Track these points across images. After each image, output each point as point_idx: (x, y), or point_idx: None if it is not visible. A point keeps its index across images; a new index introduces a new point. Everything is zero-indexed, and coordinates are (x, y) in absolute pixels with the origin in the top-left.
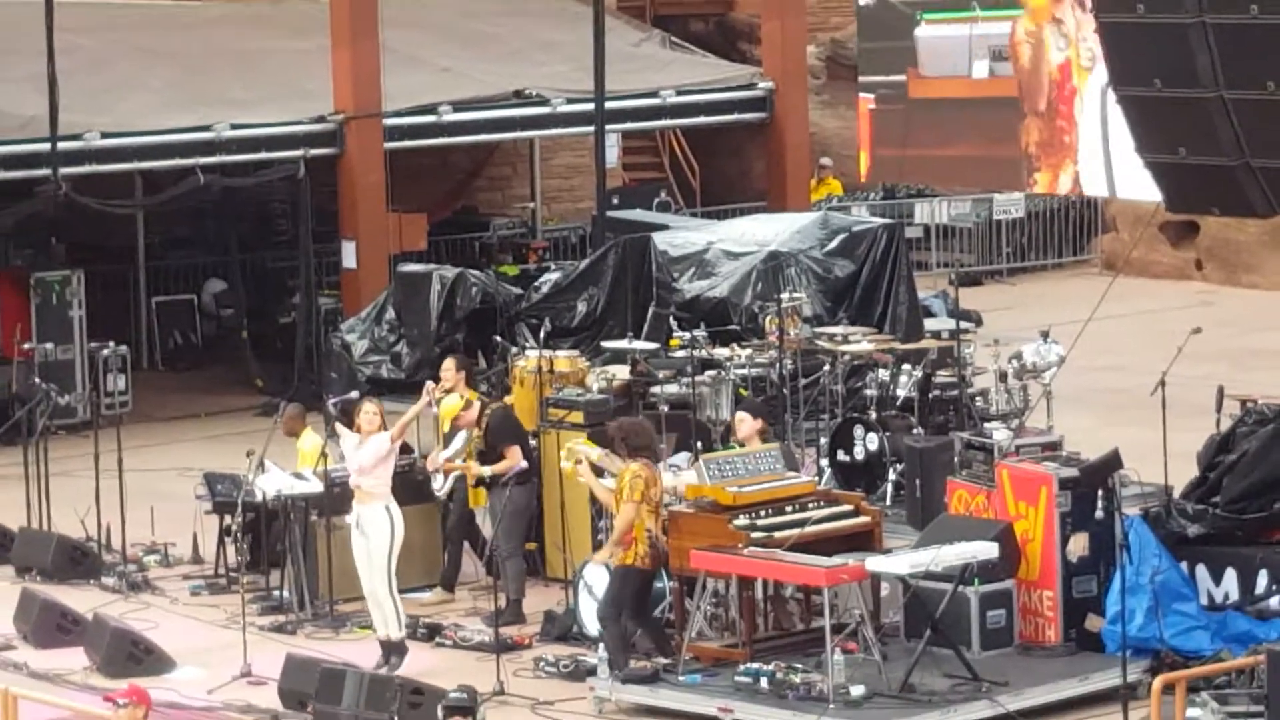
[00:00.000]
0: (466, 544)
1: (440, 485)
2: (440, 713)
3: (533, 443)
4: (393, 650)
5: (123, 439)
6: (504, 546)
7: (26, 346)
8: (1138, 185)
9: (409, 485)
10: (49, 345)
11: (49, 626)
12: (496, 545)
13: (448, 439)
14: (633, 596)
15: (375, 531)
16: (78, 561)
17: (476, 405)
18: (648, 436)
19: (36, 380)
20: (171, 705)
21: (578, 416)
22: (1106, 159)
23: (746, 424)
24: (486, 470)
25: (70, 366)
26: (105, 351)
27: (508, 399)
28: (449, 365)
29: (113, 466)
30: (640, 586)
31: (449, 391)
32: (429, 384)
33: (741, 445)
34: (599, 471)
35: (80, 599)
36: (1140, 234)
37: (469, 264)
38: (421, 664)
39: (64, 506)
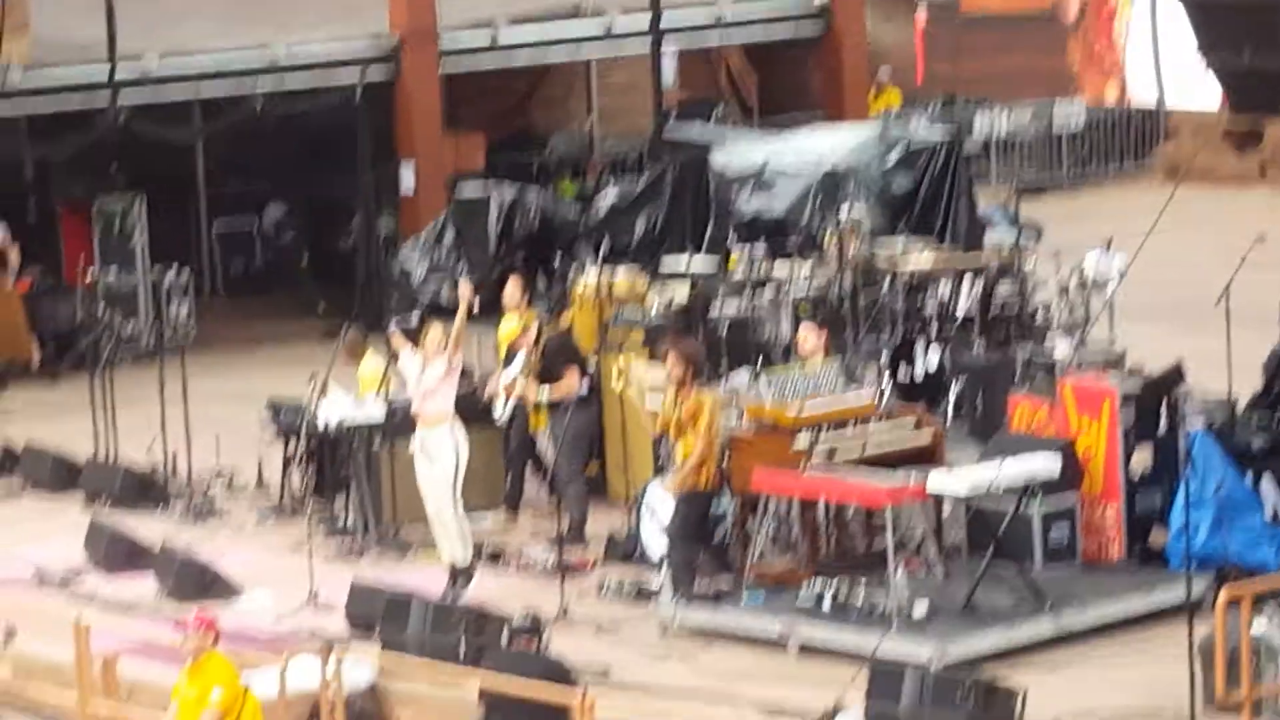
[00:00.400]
0: (529, 467)
1: (501, 410)
2: (506, 637)
3: (593, 363)
4: (459, 575)
5: (187, 366)
6: (565, 470)
7: (90, 275)
8: (1190, 94)
9: (470, 410)
10: (112, 274)
11: (118, 556)
12: (558, 468)
13: (507, 362)
14: (697, 518)
15: (441, 454)
16: (145, 490)
17: (534, 328)
18: (707, 357)
19: (101, 309)
20: (239, 631)
21: (638, 337)
22: (1156, 69)
23: (810, 339)
24: (544, 394)
25: (133, 294)
26: (168, 278)
27: (565, 317)
28: (513, 286)
29: (178, 395)
30: (704, 508)
31: (490, 312)
32: (462, 283)
33: (805, 360)
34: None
35: (148, 528)
36: (1203, 142)
37: (528, 183)
38: (486, 589)
39: (130, 436)
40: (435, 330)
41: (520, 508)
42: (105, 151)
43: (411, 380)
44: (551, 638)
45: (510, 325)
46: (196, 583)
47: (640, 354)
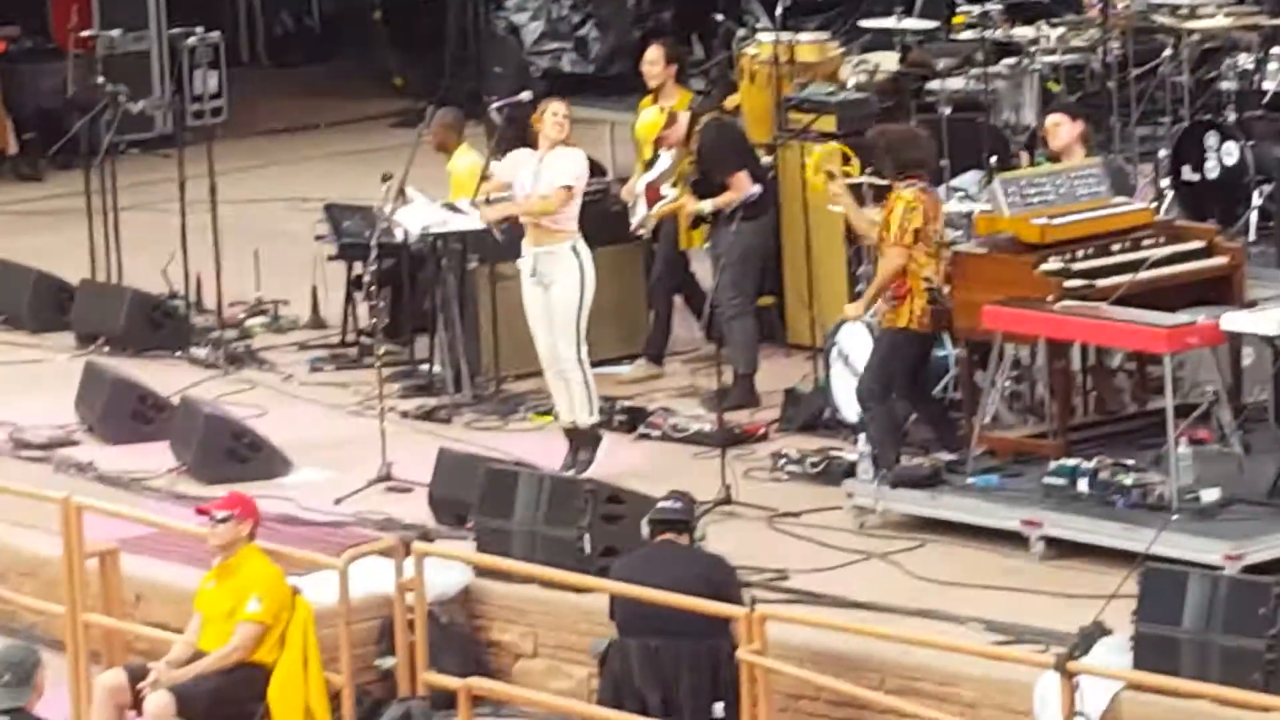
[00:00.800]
0: (678, 299)
1: (641, 218)
2: (646, 527)
3: (767, 160)
4: (582, 442)
5: (216, 160)
6: (729, 302)
7: (86, 35)
8: None
9: (601, 220)
10: (115, 32)
11: (122, 414)
12: (719, 301)
13: (650, 163)
14: (906, 369)
15: (560, 281)
16: (159, 325)
17: (684, 117)
18: (923, 149)
19: (100, 80)
20: (287, 519)
21: (828, 122)
22: None
23: (1064, 128)
24: (706, 205)
25: (145, 60)
26: (191, 40)
27: (729, 102)
28: (654, 55)
29: (203, 196)
30: (916, 355)
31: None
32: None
33: (1055, 160)
34: (861, 198)
35: (163, 376)
36: None
37: None
38: (621, 462)
39: (139, 251)
40: (556, 108)
41: (666, 353)
42: None
43: (522, 182)
44: (708, 529)
45: (651, 113)
46: (228, 452)
47: (833, 145)
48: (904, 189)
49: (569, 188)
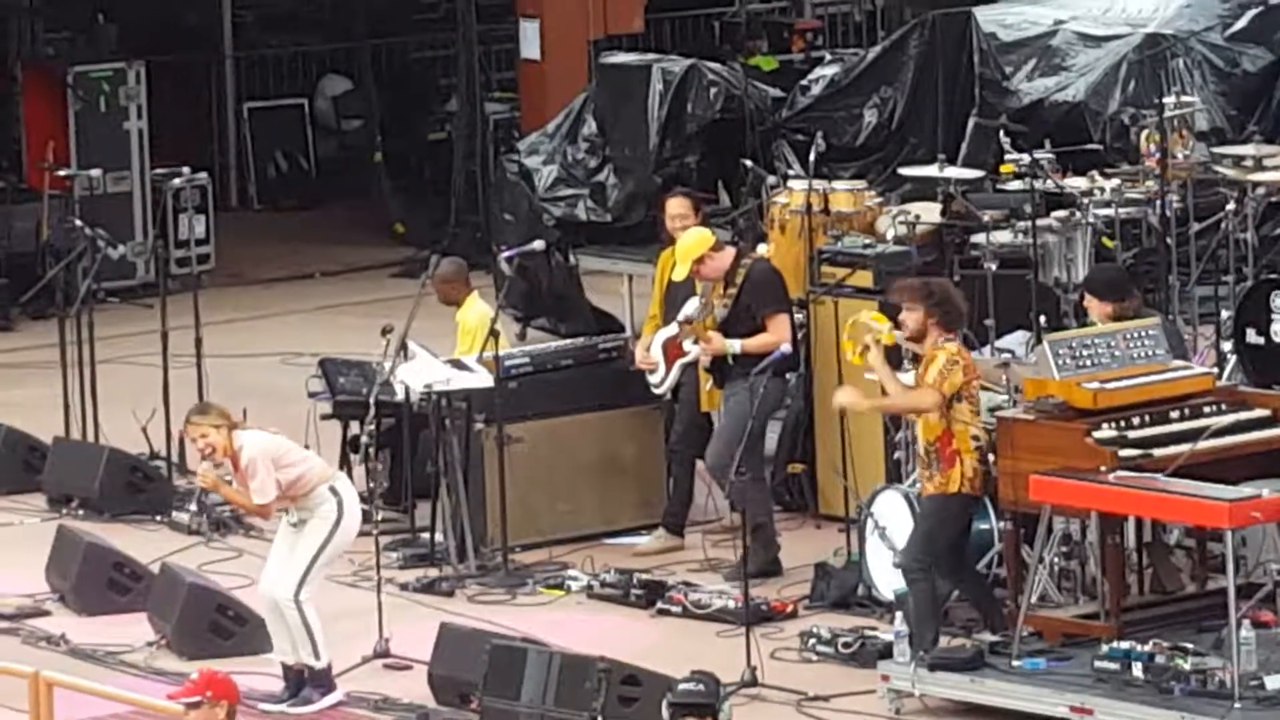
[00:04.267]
0: (700, 464)
1: (661, 377)
2: (667, 711)
3: (798, 318)
4: (313, 681)
5: (202, 310)
6: (748, 465)
7: (62, 174)
8: None
9: (618, 379)
10: (94, 172)
11: (97, 582)
12: (742, 467)
13: (669, 307)
14: (952, 541)
15: (313, 519)
16: (138, 487)
17: (730, 251)
18: (963, 307)
19: (77, 223)
20: (273, 698)
21: (864, 278)
22: None
23: (1093, 306)
24: (735, 345)
25: (126, 202)
26: (177, 182)
27: (762, 250)
28: (684, 209)
29: (188, 350)
30: (966, 523)
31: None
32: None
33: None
34: (896, 362)
35: (141, 542)
36: None
37: (705, 54)
38: (638, 639)
39: (118, 408)
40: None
41: (687, 523)
42: None
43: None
44: (733, 713)
45: (697, 233)
46: (211, 625)
47: (869, 304)
48: (945, 343)
49: (264, 505)
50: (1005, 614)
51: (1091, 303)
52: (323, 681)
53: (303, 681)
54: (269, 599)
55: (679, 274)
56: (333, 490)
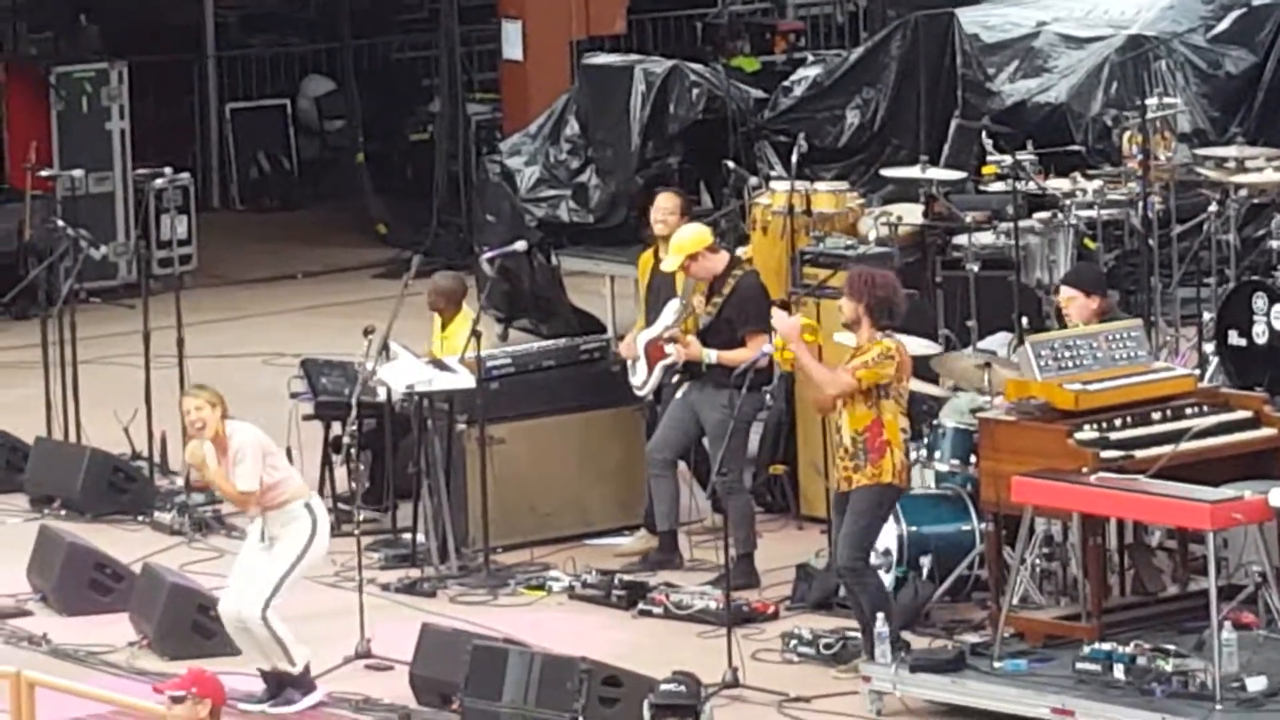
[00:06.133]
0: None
1: (643, 379)
2: (648, 712)
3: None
4: (290, 682)
5: (184, 311)
6: (731, 474)
7: (44, 174)
8: None
9: (599, 380)
10: (76, 172)
11: (79, 582)
12: (725, 472)
13: (652, 308)
14: (872, 525)
15: (286, 538)
16: (119, 488)
17: (724, 256)
18: (899, 307)
19: (59, 224)
20: (253, 698)
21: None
22: None
23: (1077, 303)
24: (711, 354)
25: (108, 203)
26: (159, 182)
27: (741, 254)
28: (672, 204)
29: (169, 350)
30: (889, 518)
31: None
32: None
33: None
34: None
35: (123, 543)
36: None
37: (688, 55)
38: (620, 640)
39: (99, 408)
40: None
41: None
42: None
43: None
44: (714, 714)
45: (695, 229)
46: (194, 625)
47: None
48: (884, 338)
49: (248, 493)
50: (988, 614)
51: (1077, 298)
52: (302, 683)
53: (283, 683)
54: (233, 617)
55: (668, 265)
56: (308, 508)
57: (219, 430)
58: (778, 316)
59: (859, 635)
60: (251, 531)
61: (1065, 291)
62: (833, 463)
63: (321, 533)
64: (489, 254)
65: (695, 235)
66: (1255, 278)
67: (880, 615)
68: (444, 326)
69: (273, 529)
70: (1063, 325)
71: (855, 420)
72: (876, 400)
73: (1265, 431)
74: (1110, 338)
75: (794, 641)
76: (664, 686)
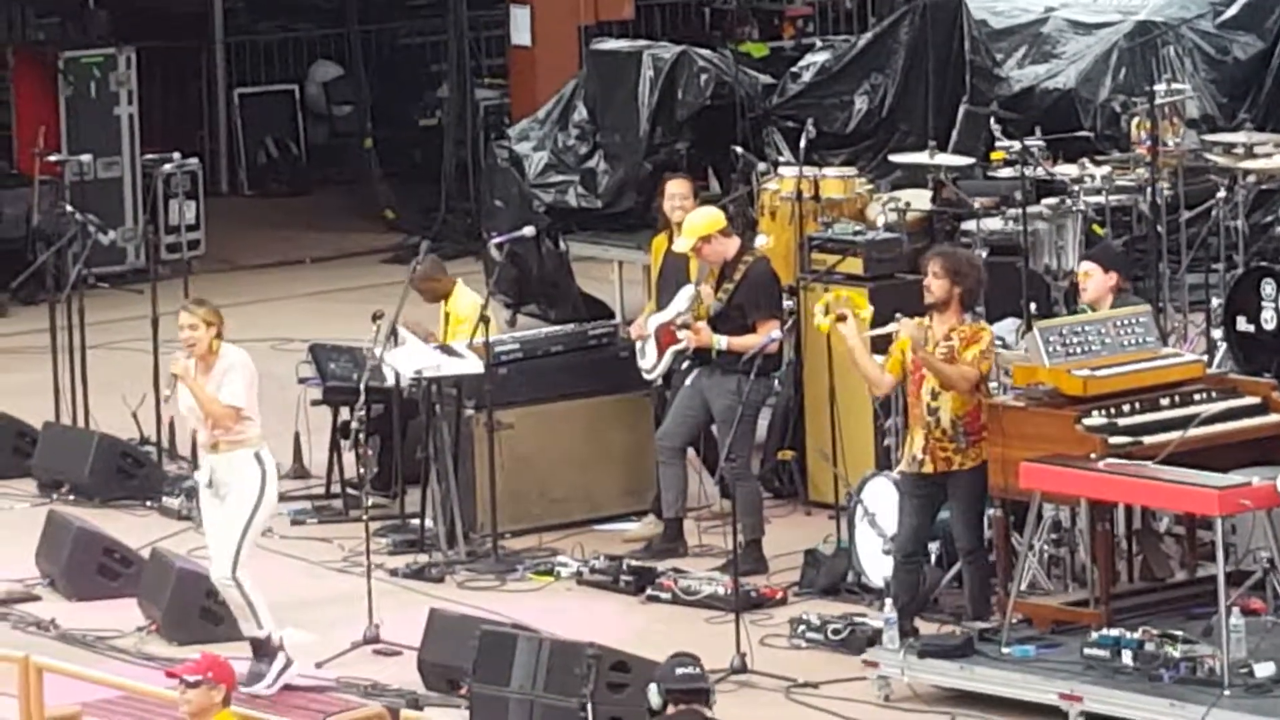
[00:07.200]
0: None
1: (652, 362)
2: (658, 696)
3: (788, 304)
4: (261, 652)
5: (192, 295)
6: (739, 460)
7: (53, 159)
8: None
9: (608, 365)
10: (85, 158)
11: (87, 568)
12: (733, 458)
13: (664, 292)
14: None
15: (236, 491)
16: (128, 473)
17: (735, 241)
18: (983, 283)
19: (67, 209)
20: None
21: (855, 264)
22: None
23: (1095, 279)
24: (721, 341)
25: (117, 188)
26: (167, 167)
27: (761, 241)
28: (684, 189)
29: (177, 335)
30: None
31: None
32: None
33: (1093, 308)
34: (881, 343)
35: (131, 528)
36: None
37: (696, 41)
38: (628, 626)
39: (108, 393)
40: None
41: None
42: None
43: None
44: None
45: (708, 212)
46: (203, 611)
47: (858, 290)
48: (974, 321)
49: (233, 408)
50: (996, 600)
51: (1094, 273)
52: (266, 651)
53: (258, 652)
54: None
55: (680, 245)
56: (258, 458)
57: (209, 350)
58: (905, 325)
59: (866, 621)
60: (200, 481)
61: (1084, 265)
62: (909, 442)
63: (270, 480)
64: (497, 239)
65: (711, 218)
66: (1263, 263)
67: (889, 601)
68: (446, 304)
69: (221, 473)
70: (1071, 310)
71: (958, 405)
72: (978, 387)
73: (1273, 417)
74: (1119, 323)
75: (802, 627)
76: (680, 670)
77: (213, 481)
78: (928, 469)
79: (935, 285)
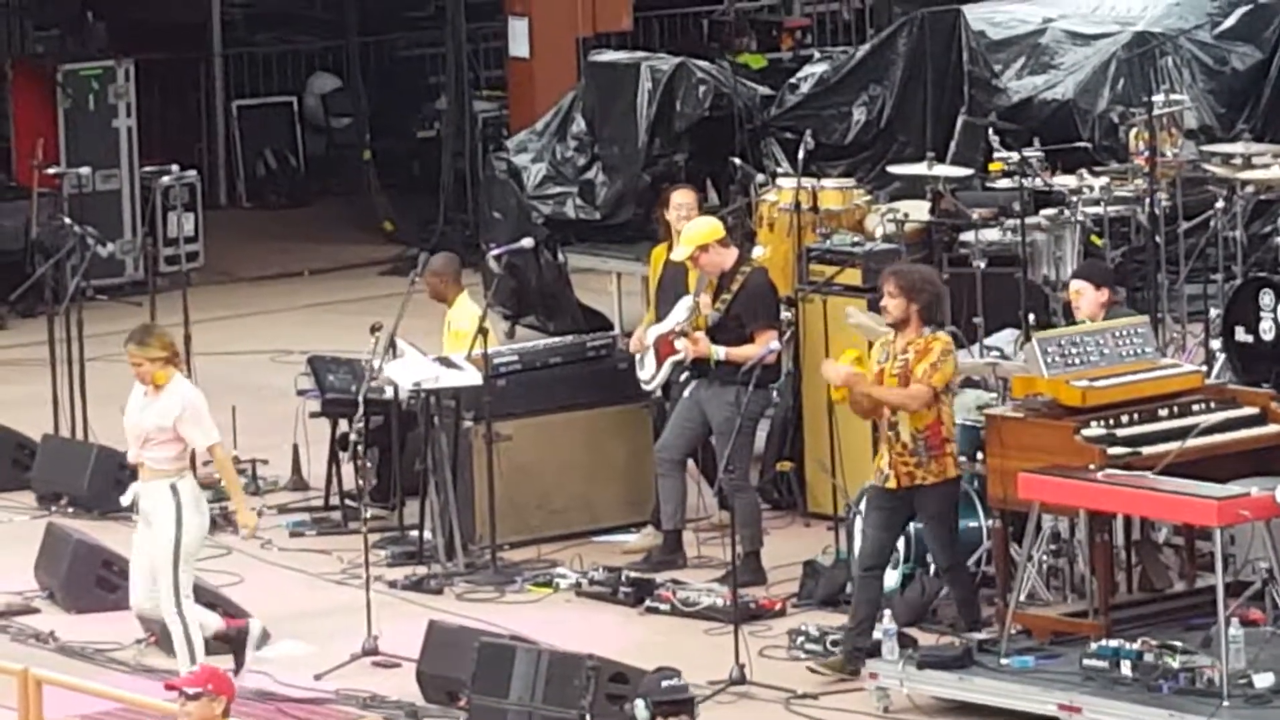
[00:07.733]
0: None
1: (650, 373)
2: (645, 711)
3: (786, 316)
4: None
5: (191, 308)
6: (737, 471)
7: (51, 172)
8: None
9: (607, 377)
10: (83, 170)
11: (86, 580)
12: (731, 469)
13: (663, 303)
14: (952, 527)
15: (158, 521)
16: (127, 485)
17: (734, 252)
18: (941, 296)
19: (66, 221)
20: (264, 694)
21: (853, 275)
22: None
23: (1087, 296)
24: (719, 351)
25: (115, 200)
26: (166, 180)
27: (758, 252)
28: (689, 199)
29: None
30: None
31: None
32: None
33: (1091, 318)
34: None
35: (130, 540)
36: None
37: (694, 52)
38: (627, 637)
39: (107, 405)
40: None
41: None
42: None
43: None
44: (718, 711)
45: (695, 228)
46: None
47: (856, 300)
48: (932, 333)
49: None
50: (995, 611)
51: (1086, 291)
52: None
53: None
54: (144, 611)
55: (678, 254)
56: (173, 489)
57: (158, 381)
58: (830, 371)
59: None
60: (125, 502)
61: (1075, 284)
62: (879, 456)
63: (189, 515)
64: (496, 251)
65: (709, 227)
66: (1262, 274)
67: (888, 613)
68: (450, 305)
69: (144, 500)
70: (1070, 321)
71: (917, 419)
72: (937, 399)
73: (1272, 428)
74: (1117, 334)
75: (801, 639)
76: (665, 683)
77: (136, 507)
78: (891, 484)
79: (891, 305)
